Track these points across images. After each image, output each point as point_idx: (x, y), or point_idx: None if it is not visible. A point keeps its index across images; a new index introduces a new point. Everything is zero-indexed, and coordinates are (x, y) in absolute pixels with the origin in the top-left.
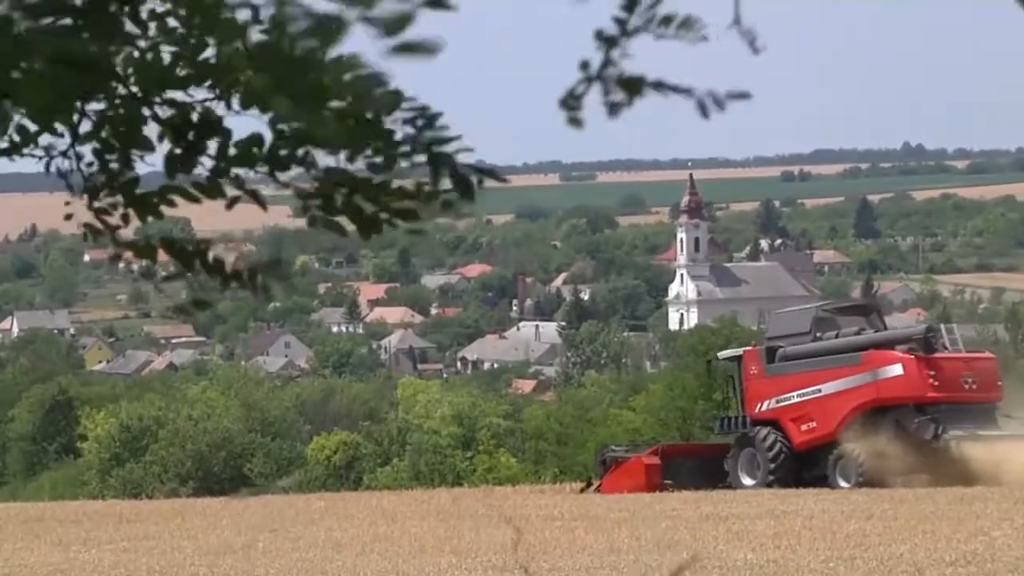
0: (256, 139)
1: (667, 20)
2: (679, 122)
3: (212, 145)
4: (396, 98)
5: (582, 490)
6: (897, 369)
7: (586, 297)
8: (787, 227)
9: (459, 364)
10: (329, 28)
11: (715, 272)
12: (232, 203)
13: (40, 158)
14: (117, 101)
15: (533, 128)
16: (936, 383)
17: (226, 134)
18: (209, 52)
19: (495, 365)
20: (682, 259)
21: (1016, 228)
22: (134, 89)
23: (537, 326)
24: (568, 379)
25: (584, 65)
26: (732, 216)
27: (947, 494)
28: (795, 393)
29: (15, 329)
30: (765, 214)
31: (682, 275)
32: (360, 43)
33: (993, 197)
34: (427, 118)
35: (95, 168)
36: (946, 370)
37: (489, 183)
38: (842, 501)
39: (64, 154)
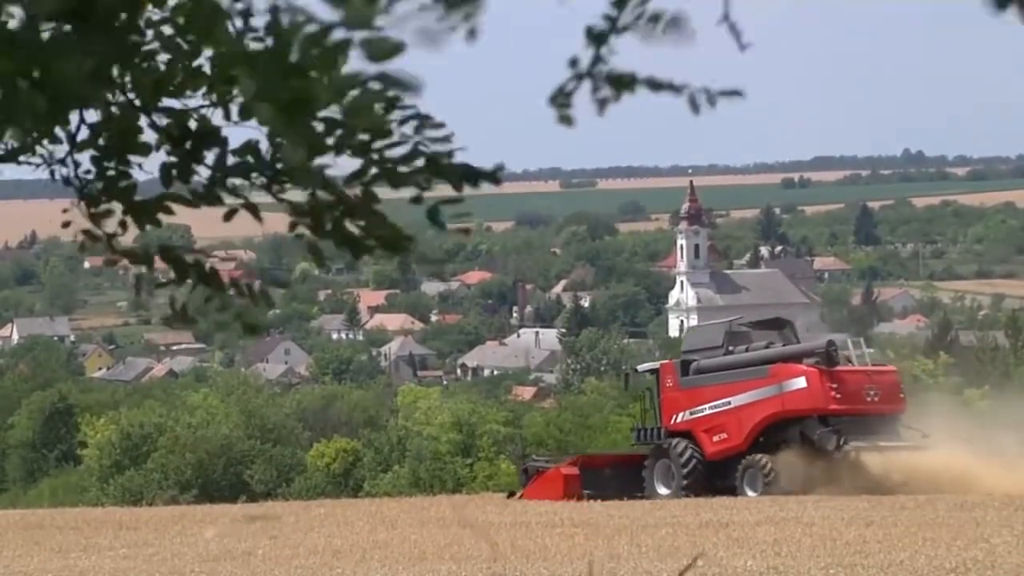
0: (251, 147)
1: (655, 18)
2: (679, 129)
3: (210, 155)
4: (392, 101)
5: (508, 497)
6: (801, 382)
7: (586, 304)
8: (787, 234)
9: (459, 371)
10: (331, 47)
11: (715, 279)
12: (230, 215)
13: (38, 165)
14: (114, 109)
15: (533, 135)
16: (838, 395)
17: (223, 143)
18: (204, 60)
19: (495, 372)
20: (682, 266)
21: (1016, 235)
22: (131, 96)
23: (537, 333)
24: (568, 386)
25: (573, 62)
26: (732, 223)
27: (947, 501)
28: (707, 405)
29: (15, 336)
30: (765, 221)
31: (682, 282)
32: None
33: (993, 204)
34: (423, 120)
35: (92, 176)
36: (848, 383)
37: (489, 188)
38: (842, 508)
39: (62, 161)
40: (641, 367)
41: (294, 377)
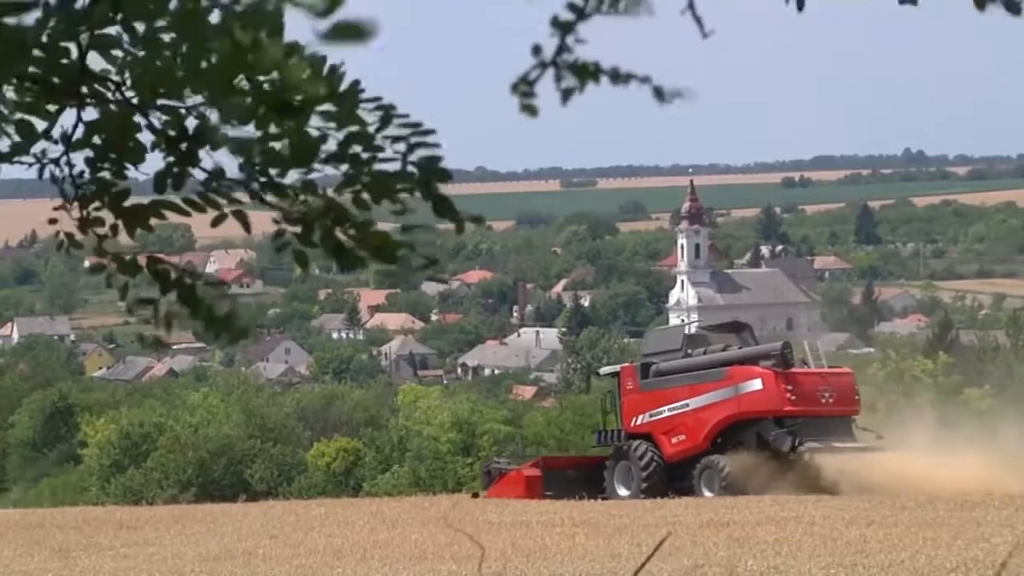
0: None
1: (615, 1)
2: (680, 128)
3: (206, 158)
4: (387, 113)
5: (472, 497)
6: (757, 384)
7: (586, 303)
8: (788, 233)
9: (459, 370)
10: (264, 12)
11: (716, 278)
12: (217, 221)
13: (31, 165)
14: (112, 107)
15: (534, 134)
16: (793, 397)
17: (217, 145)
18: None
19: (495, 371)
20: (683, 265)
21: (1017, 234)
22: (129, 94)
23: (538, 332)
24: (569, 385)
25: (536, 50)
26: (733, 222)
27: (947, 501)
28: (666, 408)
29: (15, 335)
30: (766, 220)
31: (683, 281)
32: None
33: (994, 203)
34: (419, 133)
35: (86, 177)
36: (804, 385)
37: (491, 188)
38: (843, 507)
39: (56, 162)
40: (602, 370)
41: (294, 376)
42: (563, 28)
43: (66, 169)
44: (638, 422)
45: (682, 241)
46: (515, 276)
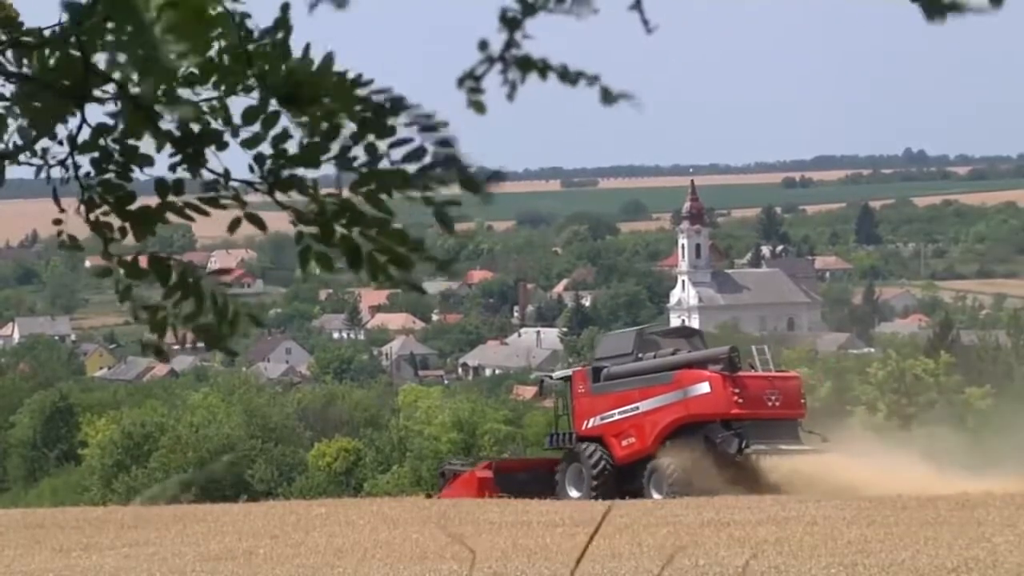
0: (259, 159)
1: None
2: (680, 128)
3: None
4: (398, 104)
5: (426, 497)
6: (704, 387)
7: (587, 303)
8: (788, 233)
9: (460, 370)
10: None
11: (716, 278)
12: (234, 225)
13: (38, 167)
14: (118, 106)
15: (534, 134)
16: (740, 400)
17: (223, 146)
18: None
19: (496, 371)
20: (683, 265)
21: (1018, 234)
22: (135, 91)
23: (538, 332)
24: None
25: (483, 45)
26: (733, 222)
27: (948, 500)
28: (617, 411)
29: (16, 335)
30: (766, 220)
31: (683, 281)
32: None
33: (995, 203)
34: (431, 124)
35: (92, 179)
36: (751, 388)
37: (491, 188)
38: (844, 507)
39: (62, 163)
40: (555, 374)
41: (295, 376)
42: (511, 24)
43: (72, 170)
44: (589, 425)
45: (683, 241)
46: (516, 276)
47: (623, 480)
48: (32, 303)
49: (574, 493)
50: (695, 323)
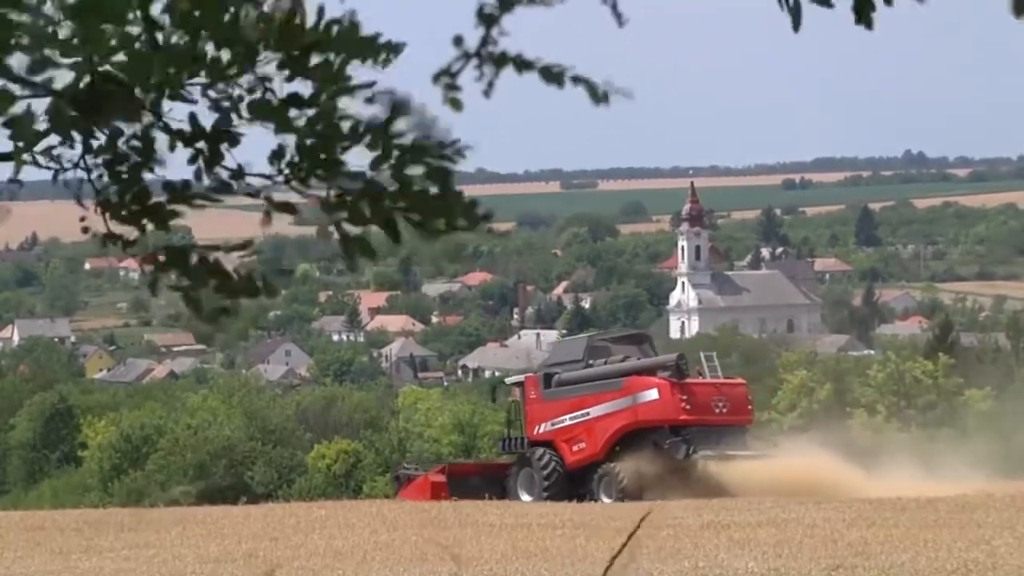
0: (280, 154)
1: None
2: (680, 130)
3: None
4: (403, 107)
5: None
6: (653, 394)
7: (587, 305)
8: (788, 235)
9: (460, 372)
10: None
11: (716, 280)
12: (266, 219)
13: (51, 169)
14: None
15: (534, 135)
16: (688, 407)
17: (235, 141)
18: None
19: (496, 373)
20: (683, 267)
21: (1017, 236)
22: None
23: (538, 334)
24: None
25: (458, 41)
26: (733, 224)
27: (948, 502)
28: (567, 416)
29: (16, 337)
30: (766, 222)
31: (683, 283)
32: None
33: (994, 205)
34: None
35: (106, 181)
36: (698, 395)
37: (491, 190)
38: (844, 509)
39: (77, 165)
40: (509, 380)
41: (295, 378)
42: (487, 20)
43: (84, 173)
44: (541, 430)
45: (682, 243)
46: (516, 278)
47: (574, 484)
48: (32, 305)
49: (526, 497)
50: (695, 325)
